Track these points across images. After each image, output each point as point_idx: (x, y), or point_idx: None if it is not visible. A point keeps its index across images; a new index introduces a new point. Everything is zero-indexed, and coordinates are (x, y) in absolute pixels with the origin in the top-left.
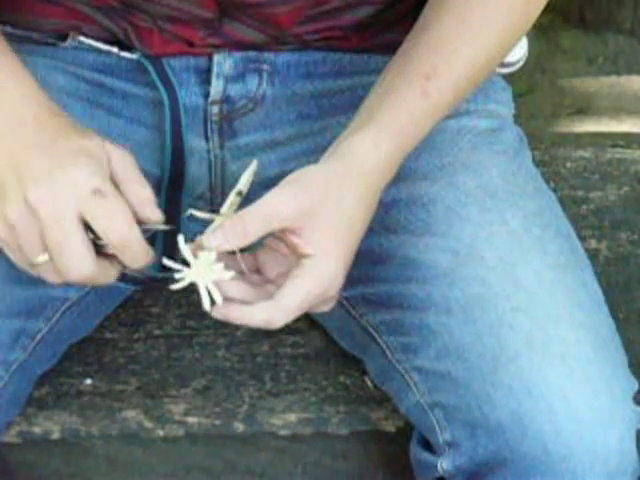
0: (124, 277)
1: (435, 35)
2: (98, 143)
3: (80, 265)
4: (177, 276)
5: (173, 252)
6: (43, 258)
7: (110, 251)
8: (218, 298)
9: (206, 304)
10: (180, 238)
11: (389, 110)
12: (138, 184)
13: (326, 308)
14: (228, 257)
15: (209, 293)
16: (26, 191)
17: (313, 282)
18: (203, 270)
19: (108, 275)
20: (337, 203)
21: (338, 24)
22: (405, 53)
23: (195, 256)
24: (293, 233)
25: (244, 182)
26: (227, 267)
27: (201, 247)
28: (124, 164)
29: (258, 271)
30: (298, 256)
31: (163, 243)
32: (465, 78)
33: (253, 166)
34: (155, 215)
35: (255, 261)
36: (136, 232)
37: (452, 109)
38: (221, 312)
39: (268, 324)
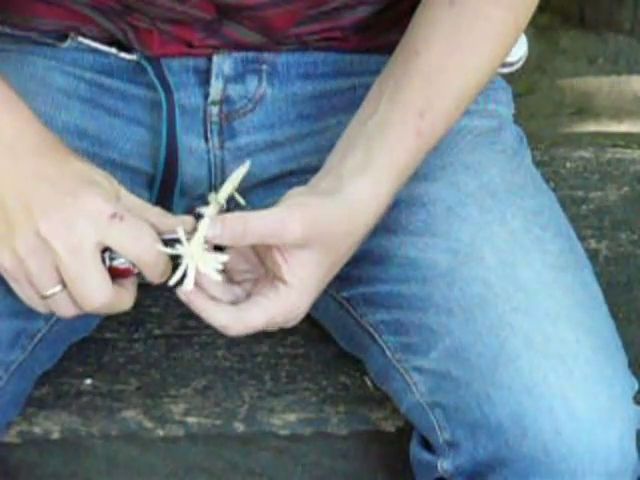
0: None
1: (425, 63)
2: (98, 170)
3: (99, 294)
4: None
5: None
6: (56, 290)
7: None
8: (190, 282)
9: (189, 284)
10: (179, 229)
11: (388, 153)
12: (145, 204)
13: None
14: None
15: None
16: (37, 223)
17: (281, 310)
18: (196, 250)
19: (124, 302)
20: (330, 248)
21: (337, 24)
22: (397, 83)
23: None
24: (281, 255)
25: (233, 180)
26: None
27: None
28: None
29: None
30: (274, 276)
31: None
32: (456, 108)
33: (245, 167)
34: (175, 221)
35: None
36: (161, 248)
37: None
38: (187, 295)
39: (224, 329)
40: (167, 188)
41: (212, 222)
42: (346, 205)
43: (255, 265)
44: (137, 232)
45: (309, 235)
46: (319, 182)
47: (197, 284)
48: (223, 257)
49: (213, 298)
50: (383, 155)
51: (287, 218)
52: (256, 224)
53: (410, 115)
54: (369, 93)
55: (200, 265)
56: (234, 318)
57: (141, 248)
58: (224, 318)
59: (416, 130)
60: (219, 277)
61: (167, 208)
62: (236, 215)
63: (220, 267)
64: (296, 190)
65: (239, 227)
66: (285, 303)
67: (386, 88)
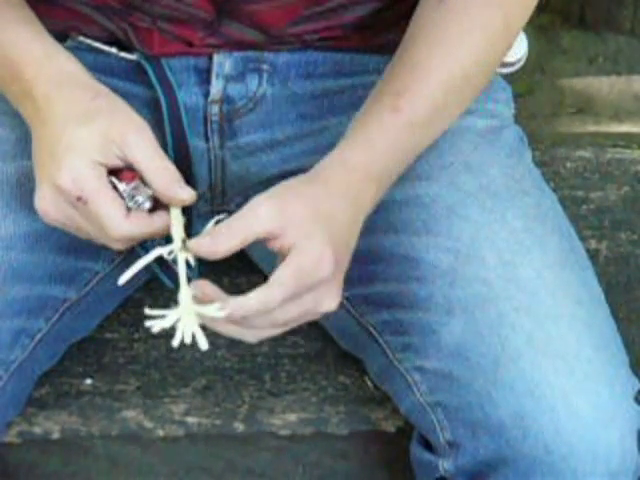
0: (167, 270)
1: (407, 56)
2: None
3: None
4: (161, 319)
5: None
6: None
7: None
8: (203, 343)
9: (187, 339)
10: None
11: (361, 127)
12: (161, 166)
13: (331, 304)
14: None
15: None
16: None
17: (300, 258)
18: (190, 310)
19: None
20: (309, 201)
21: (337, 23)
22: (382, 77)
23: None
24: (276, 238)
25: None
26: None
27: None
28: (141, 146)
29: None
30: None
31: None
32: (441, 93)
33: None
34: (186, 193)
35: None
36: (150, 323)
37: (439, 128)
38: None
39: (265, 305)
40: None
41: (202, 238)
42: (312, 175)
43: None
44: (97, 216)
45: (279, 204)
46: None
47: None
48: (216, 306)
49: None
50: (355, 129)
51: (252, 204)
52: (233, 219)
53: (386, 95)
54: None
55: (196, 330)
56: (267, 291)
57: (99, 230)
58: (257, 298)
59: (391, 106)
60: (222, 313)
61: (187, 209)
62: (212, 225)
63: (220, 313)
64: None
65: (224, 229)
66: (300, 252)
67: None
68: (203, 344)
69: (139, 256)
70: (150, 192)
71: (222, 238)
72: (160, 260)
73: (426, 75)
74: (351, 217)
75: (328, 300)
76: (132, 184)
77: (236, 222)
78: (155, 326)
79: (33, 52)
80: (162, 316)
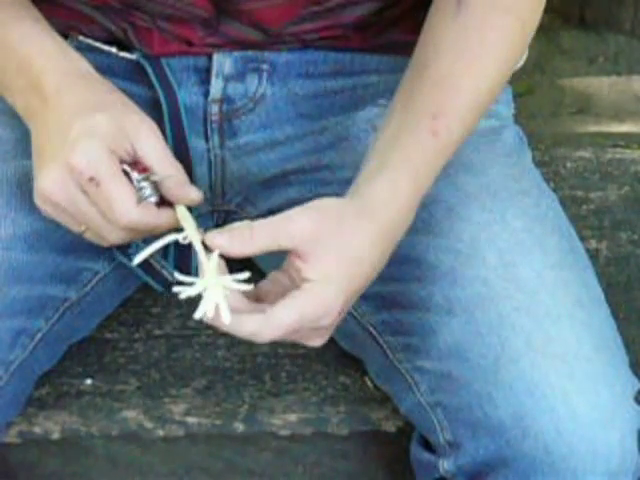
0: (150, 271)
1: (435, 72)
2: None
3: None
4: (188, 289)
5: (184, 268)
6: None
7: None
8: (227, 316)
9: (210, 313)
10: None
11: (403, 152)
12: (173, 165)
13: (316, 342)
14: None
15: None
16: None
17: (309, 304)
18: (215, 283)
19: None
20: (348, 239)
21: (336, 23)
22: (409, 93)
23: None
24: (299, 257)
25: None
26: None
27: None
28: (153, 142)
29: (258, 301)
30: (300, 281)
31: (174, 258)
32: (469, 111)
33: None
34: (195, 192)
35: (256, 291)
36: (179, 289)
37: (459, 145)
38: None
39: (254, 336)
40: None
41: (218, 233)
42: (361, 202)
43: (287, 288)
44: (109, 198)
45: (316, 226)
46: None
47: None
48: (243, 275)
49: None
50: (397, 155)
51: (293, 215)
52: (262, 226)
53: (422, 117)
54: (385, 115)
55: (221, 302)
56: (262, 323)
57: (111, 212)
58: (251, 326)
59: (430, 130)
60: (250, 286)
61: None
62: (242, 223)
63: (243, 286)
64: None
65: (246, 232)
66: (312, 296)
67: (398, 103)
68: (226, 317)
69: (130, 259)
70: (157, 189)
71: (240, 244)
72: (148, 267)
73: (456, 94)
74: (383, 255)
75: (317, 340)
76: (143, 175)
77: (265, 228)
78: (183, 293)
79: (44, 46)
80: (191, 284)
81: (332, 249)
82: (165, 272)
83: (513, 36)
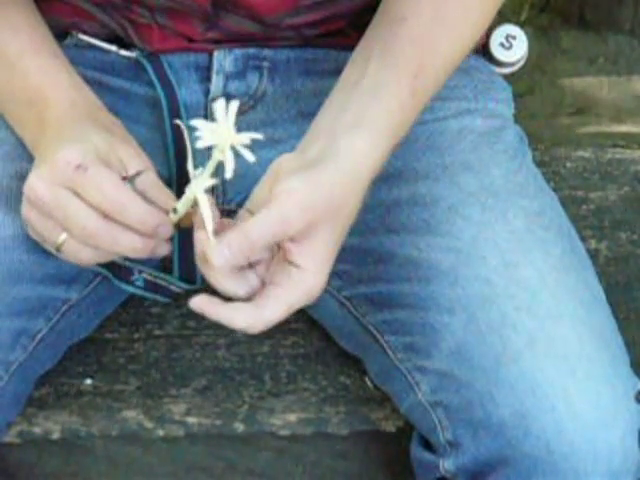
0: (157, 290)
1: (416, 29)
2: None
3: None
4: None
5: (189, 275)
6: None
7: None
8: (250, 157)
9: (229, 172)
10: (220, 103)
11: (385, 112)
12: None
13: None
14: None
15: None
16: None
17: (299, 296)
18: (227, 134)
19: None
20: (337, 219)
21: (335, 13)
22: (387, 46)
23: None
24: (292, 242)
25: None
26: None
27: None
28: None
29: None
30: (286, 259)
31: (179, 265)
32: (444, 72)
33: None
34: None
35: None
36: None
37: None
38: (200, 306)
39: (246, 330)
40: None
41: (219, 249)
42: (341, 172)
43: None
44: (98, 181)
45: (311, 219)
46: (309, 147)
47: (207, 294)
48: (257, 135)
49: (227, 300)
50: (379, 112)
51: (285, 214)
52: (258, 232)
53: (404, 76)
54: (352, 59)
55: (233, 144)
56: (254, 317)
57: (102, 196)
58: (243, 320)
59: (411, 89)
60: (253, 158)
61: None
62: (236, 233)
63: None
64: (284, 159)
65: (244, 243)
66: (302, 287)
67: (372, 53)
68: (249, 156)
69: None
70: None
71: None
72: (153, 286)
73: (435, 54)
74: (354, 211)
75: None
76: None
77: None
78: (200, 141)
79: (59, 79)
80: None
81: (323, 234)
82: (172, 286)
83: (489, 3)
